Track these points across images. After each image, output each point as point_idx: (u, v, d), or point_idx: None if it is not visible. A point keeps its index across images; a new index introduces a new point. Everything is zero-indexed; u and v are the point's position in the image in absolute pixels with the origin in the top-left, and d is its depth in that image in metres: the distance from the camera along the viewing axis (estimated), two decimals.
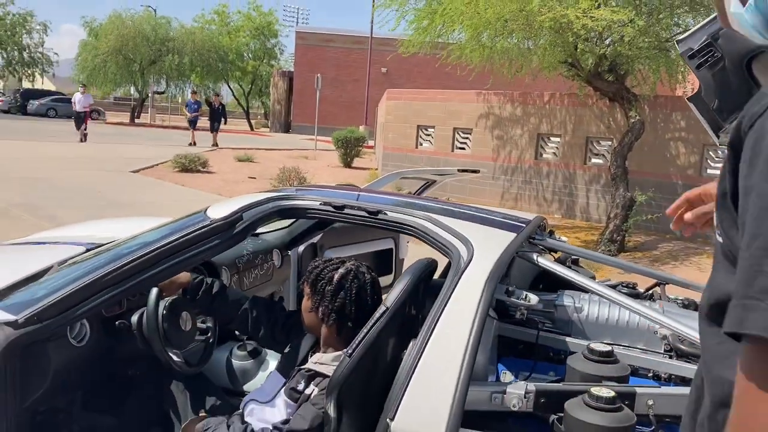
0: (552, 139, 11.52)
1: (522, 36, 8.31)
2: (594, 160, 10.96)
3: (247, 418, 2.13)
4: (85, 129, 20.47)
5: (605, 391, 1.63)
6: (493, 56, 8.76)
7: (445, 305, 1.77)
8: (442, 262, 2.32)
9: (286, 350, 2.33)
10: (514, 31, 8.12)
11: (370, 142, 22.61)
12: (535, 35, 8.12)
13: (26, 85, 44.07)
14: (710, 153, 9.54)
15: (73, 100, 21.78)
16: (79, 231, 3.34)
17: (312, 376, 2.05)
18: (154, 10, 39.65)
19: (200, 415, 2.29)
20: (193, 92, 26.45)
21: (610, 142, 10.46)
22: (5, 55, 41.86)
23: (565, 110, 11.20)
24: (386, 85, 26.93)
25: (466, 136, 12.70)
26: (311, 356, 2.16)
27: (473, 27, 7.94)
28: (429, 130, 13.46)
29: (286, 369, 2.22)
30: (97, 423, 2.54)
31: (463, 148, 12.76)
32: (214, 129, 22.25)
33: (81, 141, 19.87)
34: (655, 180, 9.64)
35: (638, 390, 1.80)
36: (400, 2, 9.10)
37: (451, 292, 1.79)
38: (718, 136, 2.19)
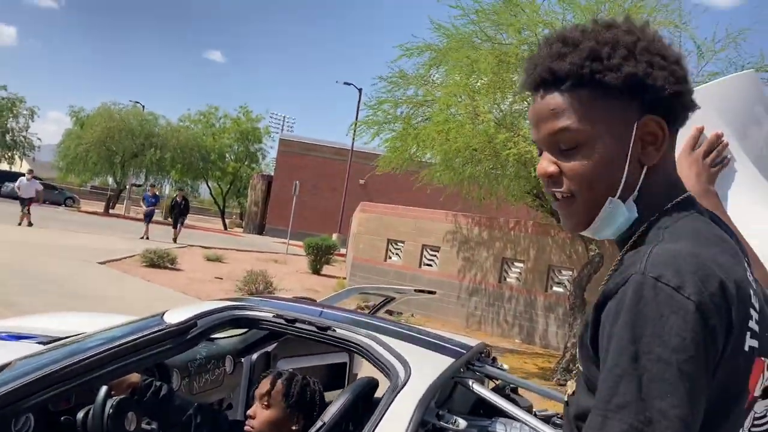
0: (516, 264, 11.83)
1: (489, 165, 8.76)
2: (555, 288, 11.23)
3: None
4: (28, 213, 20.00)
5: None
6: (462, 180, 9.19)
7: (378, 423, 1.88)
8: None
9: None
10: (482, 161, 8.58)
11: (342, 250, 22.84)
12: (501, 166, 8.56)
13: (4, 166, 44.20)
14: None
15: (17, 186, 21.55)
16: (38, 323, 3.39)
17: None
18: (143, 106, 40.65)
19: None
20: (152, 185, 26.75)
21: (571, 272, 10.77)
22: None
23: (529, 238, 11.59)
24: (363, 196, 27.56)
25: (434, 253, 12.98)
26: None
27: (443, 152, 8.37)
28: (399, 244, 13.75)
29: None
30: None
31: (431, 265, 13.01)
32: (176, 224, 22.12)
33: (28, 225, 19.52)
34: None
35: None
36: (377, 124, 9.60)
37: (385, 411, 1.91)
38: None
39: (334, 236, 24.14)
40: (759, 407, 0.94)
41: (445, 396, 2.83)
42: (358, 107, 30.31)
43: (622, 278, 0.90)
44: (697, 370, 0.82)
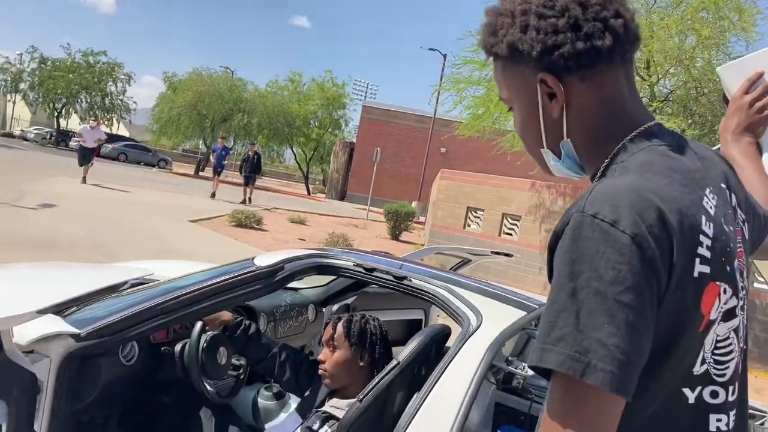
0: None
1: None
2: None
3: None
4: (92, 164, 17.85)
5: None
6: None
7: (449, 363, 1.99)
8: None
9: (306, 394, 2.57)
10: None
11: (421, 218, 22.98)
12: None
13: (103, 129, 46.48)
14: None
15: (80, 133, 18.78)
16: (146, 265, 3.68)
17: (326, 418, 2.29)
18: (232, 72, 41.74)
19: None
20: (222, 137, 24.84)
21: None
22: (89, 100, 44.49)
23: None
24: (443, 164, 27.53)
25: (514, 222, 12.91)
26: (328, 401, 2.40)
27: None
28: (478, 212, 13.74)
29: (304, 411, 2.47)
30: None
31: (510, 234, 12.96)
32: (248, 182, 20.52)
33: (82, 182, 17.27)
34: None
35: None
36: (459, 89, 9.55)
37: (456, 353, 2.02)
38: None
39: (414, 204, 24.27)
40: (721, 330, 0.97)
41: (518, 350, 2.92)
42: (442, 73, 30.12)
43: (566, 217, 0.94)
44: (636, 299, 0.85)
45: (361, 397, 2.07)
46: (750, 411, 2.66)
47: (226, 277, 2.42)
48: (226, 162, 21.61)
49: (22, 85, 44.71)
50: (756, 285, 8.52)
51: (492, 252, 4.44)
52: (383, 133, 35.79)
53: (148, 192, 19.42)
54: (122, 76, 44.89)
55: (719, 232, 0.97)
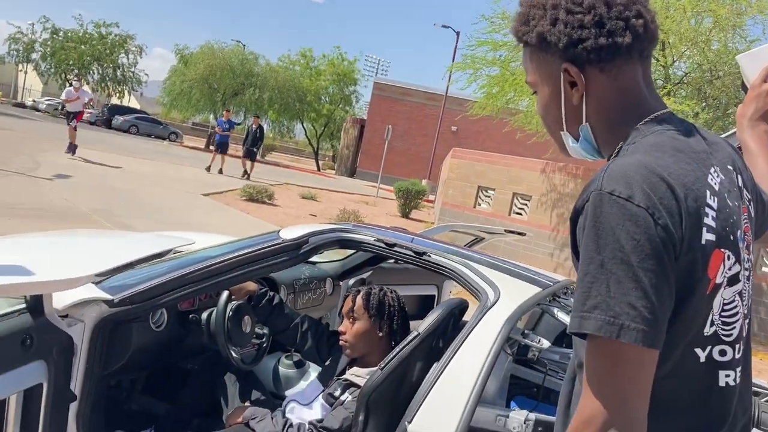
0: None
1: None
2: None
3: (287, 415, 2.47)
4: (74, 128, 15.94)
5: None
6: None
7: (468, 335, 2.09)
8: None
9: (327, 363, 2.68)
10: None
11: (431, 197, 23.04)
12: None
13: (114, 101, 46.60)
14: None
15: (63, 97, 16.57)
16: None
17: (348, 385, 2.39)
18: (244, 46, 41.63)
19: (245, 405, 2.65)
20: (227, 110, 23.04)
21: None
22: (101, 71, 44.54)
23: None
24: (454, 143, 27.49)
25: (524, 202, 12.96)
26: (349, 369, 2.51)
27: None
28: (489, 191, 13.79)
29: (325, 378, 2.58)
30: (152, 407, 2.92)
31: (521, 214, 13.01)
32: (249, 156, 19.71)
33: (67, 150, 15.72)
34: None
35: None
36: (475, 68, 9.56)
37: (474, 326, 2.11)
38: None
39: (424, 182, 24.32)
40: (727, 294, 1.08)
41: (532, 324, 3.02)
42: (455, 51, 29.95)
43: (586, 195, 1.06)
44: (656, 264, 0.97)
45: (382, 365, 2.17)
46: (756, 389, 2.75)
47: (254, 248, 2.51)
48: (230, 135, 20.29)
49: (33, 56, 44.80)
50: (765, 269, 8.58)
51: (506, 230, 4.52)
52: (394, 111, 35.70)
53: (162, 165, 19.53)
54: (134, 48, 44.94)
55: (723, 205, 1.09)
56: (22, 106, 46.15)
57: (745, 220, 1.18)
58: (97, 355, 2.37)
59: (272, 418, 2.40)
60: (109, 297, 2.37)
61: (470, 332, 2.10)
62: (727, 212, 1.09)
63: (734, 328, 1.10)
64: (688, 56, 8.06)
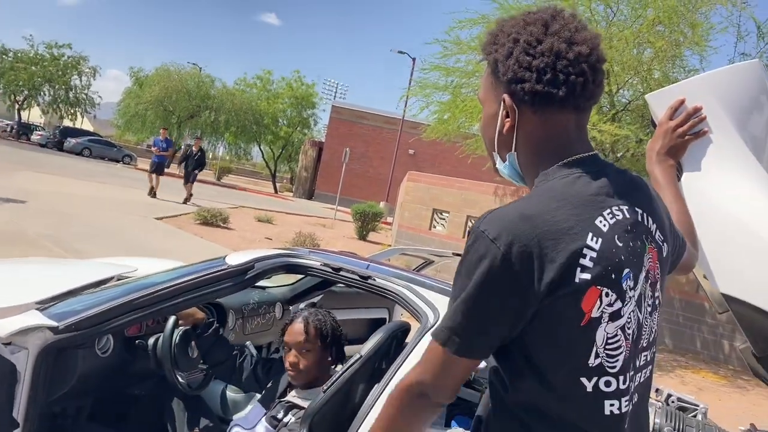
0: None
1: None
2: None
3: None
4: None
5: None
6: None
7: (408, 356, 2.16)
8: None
9: (268, 385, 2.71)
10: None
11: (389, 219, 23.16)
12: None
13: (66, 123, 45.76)
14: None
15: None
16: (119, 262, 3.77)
17: (290, 407, 2.44)
18: (200, 68, 41.46)
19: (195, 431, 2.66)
20: (164, 128, 21.24)
21: None
22: (52, 93, 43.74)
23: None
24: (412, 166, 27.74)
25: None
26: (290, 391, 2.55)
27: None
28: (444, 214, 13.97)
29: (266, 401, 2.61)
30: None
31: None
32: (189, 179, 18.40)
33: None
34: None
35: None
36: (425, 94, 9.76)
37: (414, 346, 2.18)
38: None
39: (382, 204, 24.44)
40: (610, 329, 1.18)
41: None
42: (411, 76, 30.36)
43: (471, 229, 1.21)
44: (495, 301, 1.14)
45: (325, 388, 2.22)
46: (684, 404, 2.88)
47: (199, 274, 2.55)
48: (166, 156, 19.22)
49: None
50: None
51: (453, 253, 4.62)
52: (352, 134, 35.92)
53: (114, 188, 19.25)
54: (87, 70, 44.30)
55: (609, 246, 1.17)
56: None
57: (649, 259, 1.26)
58: (41, 382, 2.37)
59: None
60: (53, 324, 2.38)
61: (410, 353, 2.17)
62: (613, 252, 1.17)
63: (618, 360, 1.18)
64: (631, 84, 8.38)
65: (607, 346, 1.17)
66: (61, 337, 2.37)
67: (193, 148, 19.06)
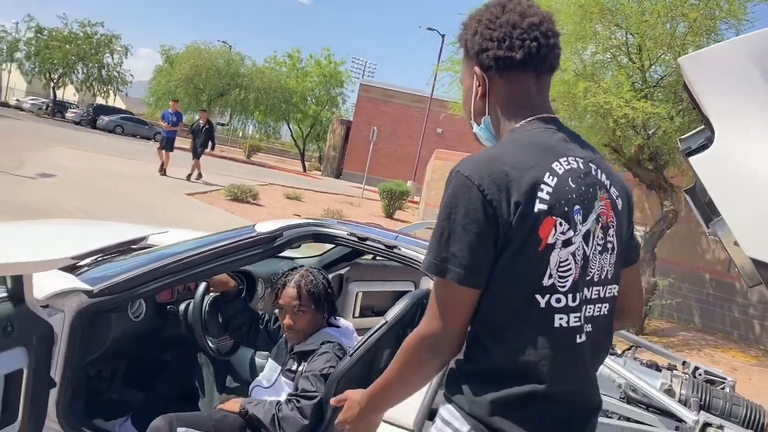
0: None
1: (566, 115, 8.77)
2: None
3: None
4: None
5: None
6: None
7: None
8: None
9: (278, 344, 2.75)
10: (558, 111, 8.60)
11: (416, 198, 23.14)
12: (579, 117, 8.57)
13: (99, 101, 46.32)
14: None
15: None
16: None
17: (300, 357, 2.49)
18: (230, 46, 41.57)
19: (225, 395, 2.73)
20: (174, 100, 19.53)
21: (643, 228, 10.72)
22: (86, 71, 44.26)
23: None
24: (440, 144, 27.63)
25: None
26: (296, 345, 2.58)
27: None
28: None
29: (279, 358, 2.66)
30: (131, 397, 3.00)
31: None
32: (197, 154, 16.98)
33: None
34: (683, 270, 9.84)
35: None
36: (456, 70, 9.68)
37: None
38: (708, 227, 2.57)
39: (409, 183, 24.38)
40: (563, 254, 1.35)
41: None
42: (440, 54, 30.14)
43: (450, 171, 1.38)
44: (477, 227, 1.30)
45: (352, 352, 2.26)
46: (712, 377, 2.88)
47: (229, 241, 2.60)
48: (176, 131, 17.33)
49: (17, 55, 44.40)
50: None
51: None
52: (380, 112, 35.82)
53: (147, 165, 19.51)
54: (119, 48, 44.62)
55: (562, 184, 1.37)
56: (6, 105, 45.80)
57: (602, 206, 1.45)
58: (77, 343, 2.45)
59: (267, 403, 2.47)
60: (88, 288, 2.45)
61: None
62: (566, 190, 1.37)
63: (567, 280, 1.36)
64: (663, 60, 8.22)
65: (559, 269, 1.35)
66: (95, 301, 2.44)
67: (200, 122, 17.53)
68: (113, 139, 30.64)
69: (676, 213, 8.73)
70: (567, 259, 1.36)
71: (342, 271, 4.09)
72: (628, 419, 2.43)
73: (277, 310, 2.65)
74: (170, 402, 2.88)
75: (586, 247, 1.39)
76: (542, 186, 1.34)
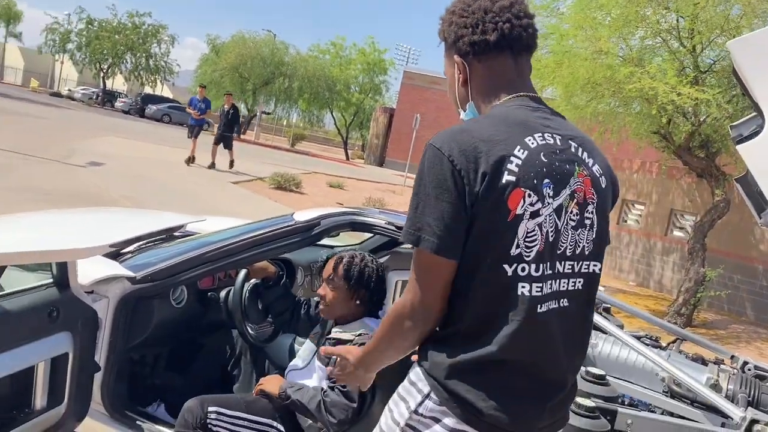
0: (636, 206, 11.58)
1: (612, 102, 8.58)
2: (675, 233, 10.94)
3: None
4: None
5: (587, 402, 1.98)
6: (583, 117, 9.00)
7: None
8: None
9: (315, 329, 2.76)
10: (604, 96, 8.41)
11: None
12: (625, 103, 8.37)
13: (147, 90, 47.22)
14: None
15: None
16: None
17: (335, 343, 2.49)
18: (275, 35, 41.88)
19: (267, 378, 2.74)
20: (202, 86, 18.08)
21: (693, 217, 10.45)
22: (134, 61, 45.15)
23: (652, 180, 11.27)
24: None
25: None
26: (334, 330, 2.58)
27: (564, 86, 8.28)
28: None
29: (316, 339, 2.66)
30: (173, 381, 3.05)
31: None
32: (223, 143, 16.01)
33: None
34: (735, 261, 9.57)
35: (620, 409, 2.13)
36: None
37: None
38: (760, 217, 2.48)
39: None
40: (530, 225, 1.38)
41: None
42: None
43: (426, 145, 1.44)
44: (449, 197, 1.34)
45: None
46: (762, 373, 2.79)
47: (268, 229, 2.62)
48: (205, 119, 16.44)
49: (69, 46, 45.53)
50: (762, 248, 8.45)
51: None
52: (424, 99, 35.61)
53: (199, 154, 19.80)
54: (166, 38, 45.39)
55: (533, 158, 1.40)
56: (58, 95, 47.11)
57: (578, 182, 1.46)
58: (121, 329, 2.50)
59: (311, 389, 2.48)
60: (131, 274, 2.50)
61: None
62: (536, 163, 1.40)
63: (533, 250, 1.39)
64: (716, 44, 7.95)
65: (526, 239, 1.38)
66: (138, 287, 2.49)
67: (225, 106, 16.34)
68: (161, 128, 31.23)
69: (728, 202, 8.46)
70: (534, 230, 1.39)
71: (381, 260, 4.08)
72: (672, 414, 2.37)
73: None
74: (208, 387, 2.93)
75: (558, 221, 1.43)
76: (511, 158, 1.37)
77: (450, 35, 1.56)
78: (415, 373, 1.48)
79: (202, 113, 16.05)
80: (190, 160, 15.57)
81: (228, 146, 16.11)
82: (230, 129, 16.24)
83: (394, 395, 1.54)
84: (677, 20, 8.09)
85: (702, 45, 7.98)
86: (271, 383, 2.52)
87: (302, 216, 2.70)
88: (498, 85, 1.53)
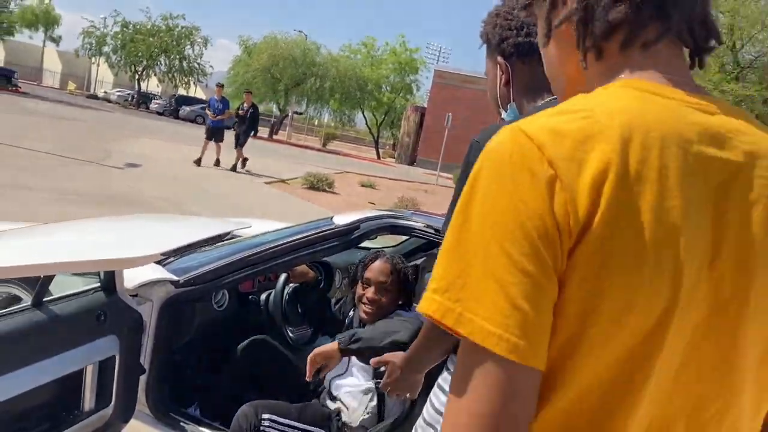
0: None
1: None
2: None
3: (334, 393, 2.57)
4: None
5: None
6: None
7: None
8: None
9: (344, 329, 2.77)
10: None
11: None
12: None
13: (180, 91, 47.87)
14: None
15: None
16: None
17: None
18: (306, 36, 42.11)
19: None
20: (219, 85, 16.49)
21: None
22: (168, 63, 45.81)
23: None
24: None
25: None
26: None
27: None
28: None
29: None
30: (211, 384, 3.08)
31: None
32: (239, 143, 15.52)
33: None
34: None
35: None
36: None
37: None
38: None
39: None
40: None
41: None
42: None
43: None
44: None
45: (421, 318, 2.25)
46: None
47: (308, 233, 2.64)
48: (224, 120, 15.56)
49: (105, 48, 46.38)
50: None
51: None
52: (455, 98, 35.48)
53: (225, 155, 20.02)
54: (199, 40, 45.95)
55: None
56: (94, 97, 48.00)
57: None
58: (164, 331, 2.54)
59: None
60: (175, 278, 2.54)
61: None
62: None
63: None
64: (756, 39, 7.80)
65: None
66: (181, 291, 2.52)
67: (244, 105, 15.75)
68: (194, 129, 31.59)
69: None
70: None
71: (418, 261, 4.08)
72: None
73: (357, 288, 2.63)
74: (245, 390, 2.96)
75: None
76: None
77: (494, 37, 1.60)
78: (443, 378, 1.52)
79: (220, 113, 15.26)
80: (200, 161, 15.07)
81: (239, 144, 15.60)
82: (248, 131, 15.67)
83: (435, 386, 1.56)
84: (716, 16, 7.95)
85: (742, 41, 7.83)
86: (326, 346, 2.50)
87: (342, 219, 2.71)
88: (540, 85, 1.56)
